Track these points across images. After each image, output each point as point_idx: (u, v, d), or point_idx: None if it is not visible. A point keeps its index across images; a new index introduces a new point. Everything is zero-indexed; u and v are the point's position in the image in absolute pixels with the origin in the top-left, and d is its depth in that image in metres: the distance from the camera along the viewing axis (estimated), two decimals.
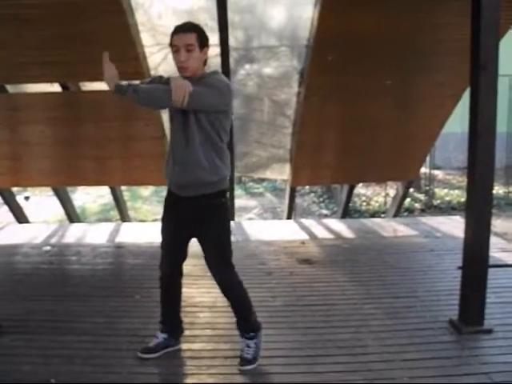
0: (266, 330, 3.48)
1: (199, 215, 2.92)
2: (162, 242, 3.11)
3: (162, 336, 3.23)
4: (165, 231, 3.09)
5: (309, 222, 7.26)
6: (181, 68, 2.78)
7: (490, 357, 3.19)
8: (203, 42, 2.79)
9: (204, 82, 2.76)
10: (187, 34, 2.73)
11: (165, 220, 3.10)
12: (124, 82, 2.68)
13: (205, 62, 2.88)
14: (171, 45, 2.78)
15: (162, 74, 3.10)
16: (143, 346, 3.21)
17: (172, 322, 3.27)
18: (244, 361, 3.07)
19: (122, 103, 5.98)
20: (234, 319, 3.16)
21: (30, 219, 8.37)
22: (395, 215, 8.62)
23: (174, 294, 3.23)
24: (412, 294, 4.20)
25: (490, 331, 3.45)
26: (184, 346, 3.35)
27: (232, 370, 3.06)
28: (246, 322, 3.13)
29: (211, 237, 2.98)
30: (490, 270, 3.51)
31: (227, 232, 3.01)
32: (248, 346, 3.10)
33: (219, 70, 5.90)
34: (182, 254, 3.13)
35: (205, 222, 2.93)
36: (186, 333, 3.47)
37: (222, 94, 2.78)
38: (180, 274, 3.19)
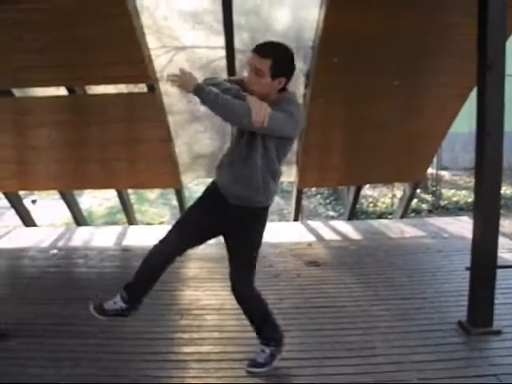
0: None
1: (240, 220, 2.81)
2: (178, 226, 2.90)
3: (121, 305, 2.94)
4: (190, 218, 2.93)
5: (316, 224, 7.26)
6: (248, 88, 2.62)
7: (498, 358, 3.16)
8: (279, 71, 2.57)
9: (280, 107, 2.56)
10: (261, 59, 2.54)
11: (197, 208, 2.93)
12: (207, 87, 2.52)
13: (283, 89, 2.67)
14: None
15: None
16: (98, 304, 2.98)
17: (139, 297, 3.01)
18: (254, 362, 3.04)
19: (128, 106, 6.11)
20: (243, 322, 3.12)
21: (37, 223, 8.38)
22: (402, 216, 8.58)
23: (157, 276, 2.97)
24: (420, 296, 4.18)
25: (498, 332, 3.43)
26: (192, 348, 3.35)
27: (240, 373, 3.05)
28: (260, 330, 3.06)
29: (243, 238, 2.85)
30: (499, 271, 3.49)
31: (259, 239, 2.89)
32: (263, 351, 3.05)
33: (225, 73, 5.94)
34: (189, 248, 2.94)
35: (243, 225, 2.82)
36: (194, 336, 3.47)
37: (298, 123, 2.63)
38: (170, 262, 2.95)
